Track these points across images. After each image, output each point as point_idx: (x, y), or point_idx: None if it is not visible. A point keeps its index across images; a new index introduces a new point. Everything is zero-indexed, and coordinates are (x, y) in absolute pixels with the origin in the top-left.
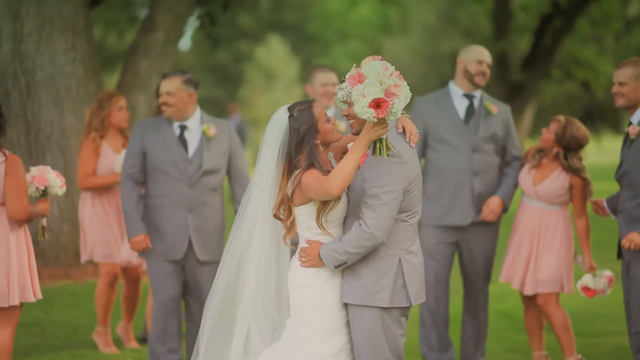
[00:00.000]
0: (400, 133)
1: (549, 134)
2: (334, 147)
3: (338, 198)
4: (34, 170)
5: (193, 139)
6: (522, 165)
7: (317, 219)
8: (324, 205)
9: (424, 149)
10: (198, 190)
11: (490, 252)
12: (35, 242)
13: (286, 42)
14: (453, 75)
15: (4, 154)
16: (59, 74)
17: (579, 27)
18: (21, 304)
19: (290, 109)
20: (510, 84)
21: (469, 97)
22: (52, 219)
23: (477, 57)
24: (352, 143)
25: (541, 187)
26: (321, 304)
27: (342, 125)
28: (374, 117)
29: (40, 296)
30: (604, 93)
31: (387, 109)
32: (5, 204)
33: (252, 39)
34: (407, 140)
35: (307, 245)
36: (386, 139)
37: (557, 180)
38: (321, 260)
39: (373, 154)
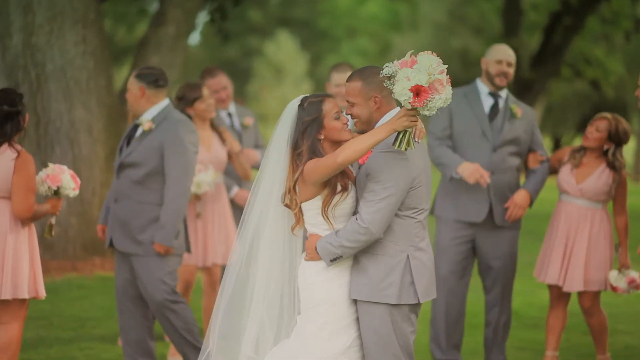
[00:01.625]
0: None
1: (599, 132)
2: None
3: (345, 190)
4: (50, 168)
5: (138, 133)
6: (551, 167)
7: (323, 210)
8: (330, 196)
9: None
10: (121, 182)
11: (511, 251)
12: (41, 238)
13: (295, 38)
14: (463, 72)
15: (17, 151)
16: (69, 67)
17: (589, 25)
18: (28, 299)
19: (303, 100)
20: (519, 81)
21: (494, 96)
22: (60, 212)
23: (496, 56)
24: None
25: (585, 185)
26: (330, 301)
27: None
28: (409, 102)
29: (44, 294)
30: (613, 92)
31: (425, 101)
32: (12, 201)
33: (261, 35)
34: (412, 136)
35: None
36: (411, 133)
37: (601, 176)
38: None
39: (393, 144)
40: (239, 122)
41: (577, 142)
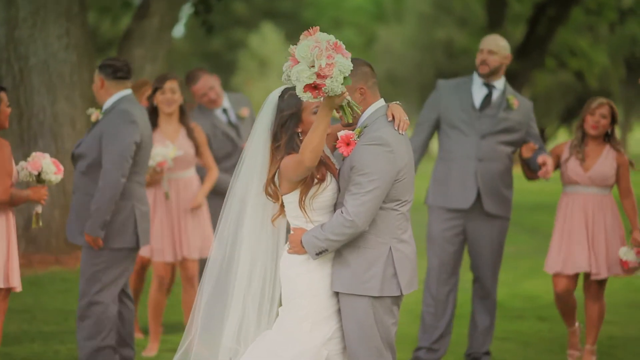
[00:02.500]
0: (390, 121)
1: (605, 118)
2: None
3: (322, 181)
4: (31, 156)
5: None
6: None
7: (300, 201)
8: (307, 188)
9: (437, 133)
10: (75, 173)
11: (499, 241)
12: (28, 229)
13: (280, 30)
14: (447, 63)
15: None
16: (52, 60)
17: (574, 16)
18: (8, 291)
19: (283, 91)
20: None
21: (489, 86)
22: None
23: (480, 46)
24: (343, 132)
25: (593, 171)
26: (311, 293)
27: None
28: (314, 99)
29: (18, 285)
30: (597, 82)
31: (324, 89)
32: None
33: (246, 27)
34: (396, 128)
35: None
36: (349, 102)
37: (607, 159)
38: (303, 247)
39: (343, 124)
40: (235, 115)
41: (562, 132)
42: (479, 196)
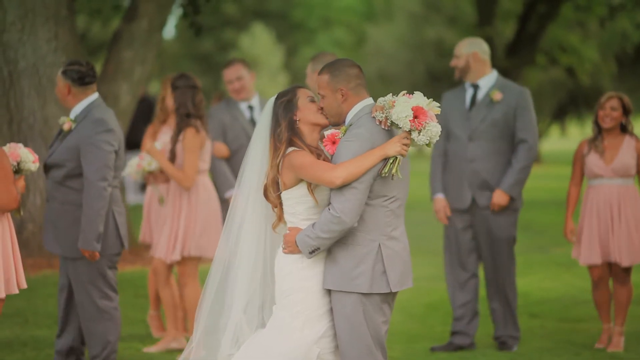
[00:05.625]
0: (373, 117)
1: (616, 110)
2: None
3: None
4: (5, 148)
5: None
6: (530, 150)
7: (309, 189)
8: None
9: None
10: (49, 183)
11: (506, 231)
12: (21, 233)
13: (270, 30)
14: (437, 62)
15: None
16: (41, 64)
17: (563, 12)
18: (4, 296)
19: (278, 93)
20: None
21: (474, 86)
22: (34, 208)
23: None
24: (329, 130)
25: (616, 163)
26: (303, 290)
27: None
28: (409, 120)
29: (24, 285)
30: (589, 78)
31: (423, 123)
32: None
33: (236, 28)
34: (378, 123)
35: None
36: (399, 161)
37: (628, 149)
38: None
39: (379, 173)
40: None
41: (554, 129)
42: (478, 194)
